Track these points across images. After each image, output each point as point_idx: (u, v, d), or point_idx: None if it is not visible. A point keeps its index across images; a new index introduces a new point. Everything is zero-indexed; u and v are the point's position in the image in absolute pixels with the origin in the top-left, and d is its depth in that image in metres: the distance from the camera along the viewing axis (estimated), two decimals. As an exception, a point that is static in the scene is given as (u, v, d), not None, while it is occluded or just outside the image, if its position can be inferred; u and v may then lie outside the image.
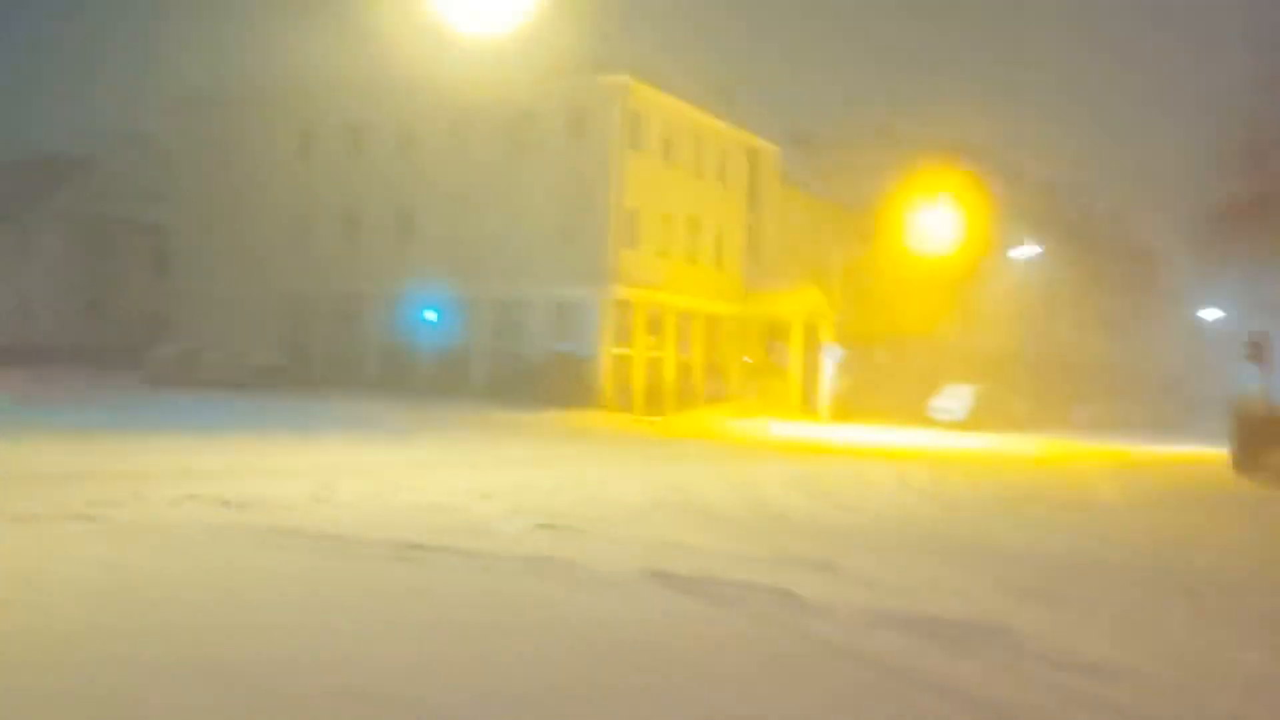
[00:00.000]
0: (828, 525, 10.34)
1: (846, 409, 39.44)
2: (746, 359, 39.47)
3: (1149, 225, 67.66)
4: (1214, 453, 26.52)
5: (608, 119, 32.38)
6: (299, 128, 37.69)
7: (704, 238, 36.93)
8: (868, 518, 11.10)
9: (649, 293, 33.62)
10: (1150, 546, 10.49)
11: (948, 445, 29.62)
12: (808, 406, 38.83)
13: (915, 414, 43.05)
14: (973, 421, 41.93)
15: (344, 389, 33.67)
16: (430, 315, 30.54)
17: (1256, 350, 21.02)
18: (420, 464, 15.07)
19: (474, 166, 34.21)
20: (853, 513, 11.45)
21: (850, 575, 7.55)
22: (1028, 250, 51.24)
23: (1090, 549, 9.89)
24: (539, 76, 33.01)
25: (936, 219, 38.01)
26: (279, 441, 17.45)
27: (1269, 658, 6.08)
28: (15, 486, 10.11)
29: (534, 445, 20.37)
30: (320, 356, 36.13)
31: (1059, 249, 53.58)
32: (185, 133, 39.70)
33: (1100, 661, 5.62)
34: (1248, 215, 28.71)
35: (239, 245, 37.44)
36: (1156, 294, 70.14)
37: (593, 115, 32.69)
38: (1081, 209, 61.29)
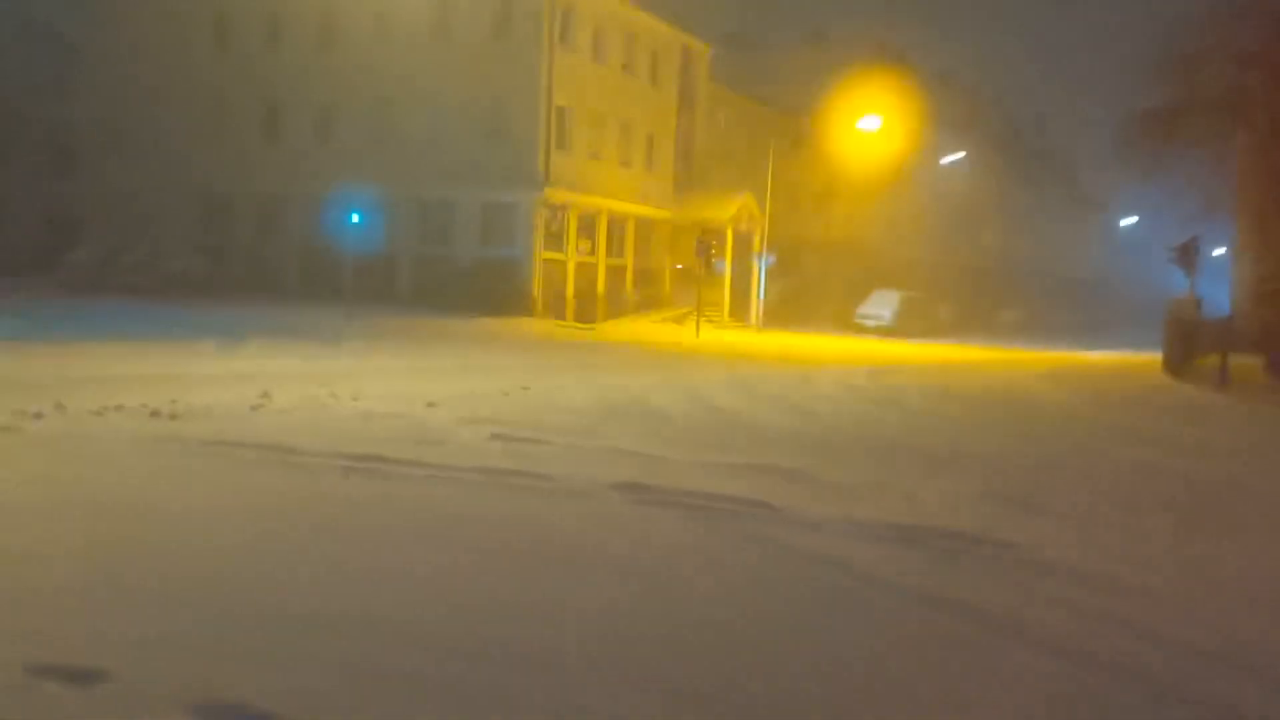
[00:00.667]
0: (786, 432, 10.16)
1: (776, 316, 39.53)
2: (678, 266, 39.13)
3: (1071, 131, 68.43)
4: (1143, 357, 27.16)
5: (536, 13, 31.16)
6: (214, 19, 35.65)
7: (635, 140, 36.14)
8: (823, 424, 10.95)
9: (581, 196, 32.90)
10: (1101, 444, 10.51)
11: (881, 351, 29.86)
12: (738, 313, 38.77)
13: (843, 320, 43.37)
14: (900, 327, 42.39)
15: (265, 294, 32.58)
16: (354, 218, 29.44)
17: (1185, 255, 21.25)
18: (356, 371, 14.54)
19: (396, 62, 32.74)
20: (808, 418, 11.29)
21: (823, 484, 7.36)
22: (954, 156, 51.39)
23: (1056, 454, 9.86)
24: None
25: (866, 123, 37.69)
26: (204, 349, 16.72)
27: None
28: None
29: (470, 352, 19.92)
30: (240, 260, 34.80)
31: (983, 154, 53.87)
32: (91, 20, 37.29)
33: (1093, 571, 5.51)
34: (1173, 123, 28.87)
35: (151, 142, 35.61)
36: (1077, 199, 71.31)
37: (520, 9, 31.43)
38: (1005, 114, 61.57)
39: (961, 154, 51.30)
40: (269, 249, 34.89)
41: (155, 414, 8.84)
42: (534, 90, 31.29)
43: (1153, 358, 22.07)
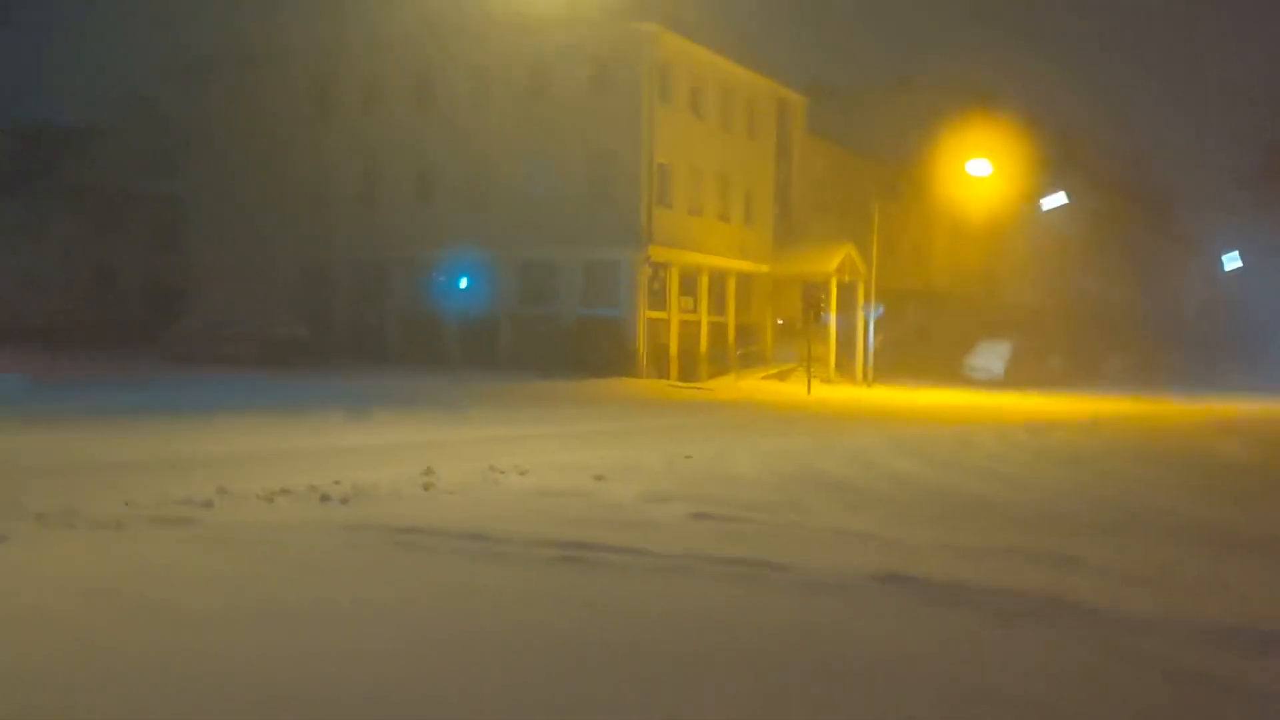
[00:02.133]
0: (1000, 503, 9.12)
1: (881, 369, 38.26)
2: (779, 321, 38.22)
3: (1168, 170, 66.44)
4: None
5: (636, 70, 30.83)
6: (312, 88, 36.09)
7: (734, 194, 35.51)
8: (1030, 493, 9.88)
9: (683, 253, 32.27)
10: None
11: (1011, 406, 28.50)
12: (843, 368, 37.59)
13: (951, 372, 41.91)
14: (1009, 378, 40.83)
15: (368, 361, 32.49)
16: (462, 282, 29.17)
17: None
18: (498, 440, 13.83)
19: (495, 122, 32.67)
20: (1009, 485, 10.24)
21: (1103, 571, 6.33)
22: (1055, 199, 49.90)
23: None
24: (561, 24, 31.52)
25: (975, 167, 36.56)
26: (333, 420, 16.20)
27: None
28: (79, 480, 8.87)
29: (596, 416, 19.15)
30: (342, 328, 34.79)
31: (1083, 197, 52.23)
32: (194, 98, 38.06)
33: None
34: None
35: (254, 214, 35.92)
36: (1176, 239, 68.95)
37: (619, 66, 31.13)
38: (1104, 154, 59.80)
39: (1061, 196, 49.78)
40: (370, 315, 34.84)
41: (325, 498, 8.14)
42: (635, 147, 30.85)
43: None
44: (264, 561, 6.02)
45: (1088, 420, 21.58)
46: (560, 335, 31.56)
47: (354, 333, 34.70)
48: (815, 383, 32.20)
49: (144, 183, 37.76)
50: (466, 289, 30.78)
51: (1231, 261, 72.81)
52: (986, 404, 29.02)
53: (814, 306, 31.63)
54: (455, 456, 11.31)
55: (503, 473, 9.82)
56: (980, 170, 34.67)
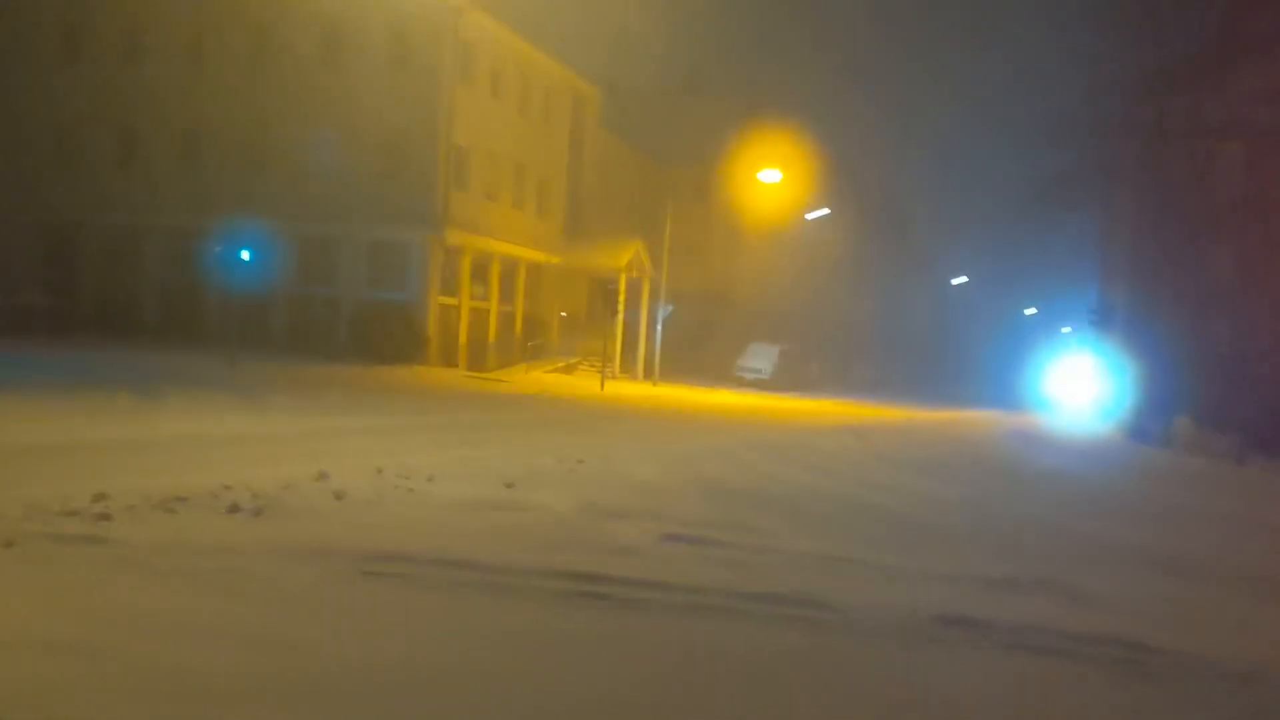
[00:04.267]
0: (924, 520, 9.06)
1: (661, 367, 38.59)
2: (562, 314, 37.77)
3: (912, 192, 71.11)
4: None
5: (438, 45, 29.37)
6: (56, 30, 32.05)
7: (528, 182, 34.69)
8: (944, 507, 9.91)
9: (477, 238, 31.11)
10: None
11: (801, 408, 29.39)
12: (624, 364, 37.61)
13: (722, 372, 42.95)
14: (776, 381, 42.32)
15: (118, 335, 29.10)
16: (244, 254, 26.63)
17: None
18: (331, 434, 12.58)
19: (278, 86, 30.24)
20: (909, 499, 10.24)
21: (1110, 603, 6.25)
22: (818, 212, 52.16)
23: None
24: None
25: (745, 177, 37.65)
26: (130, 405, 14.15)
27: None
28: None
29: (411, 408, 17.97)
30: (88, 297, 31.18)
31: (844, 213, 54.99)
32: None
33: None
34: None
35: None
36: (913, 258, 74.03)
37: (420, 40, 29.55)
38: (864, 175, 63.24)
39: (824, 210, 52.11)
40: (122, 285, 31.43)
41: (234, 508, 6.88)
42: (432, 126, 29.42)
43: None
44: (242, 602, 4.88)
45: (890, 426, 22.47)
46: (343, 318, 29.64)
47: (102, 303, 31.15)
48: (600, 378, 31.98)
49: None
50: (238, 261, 28.23)
51: (957, 280, 79.06)
52: (774, 406, 29.81)
53: (611, 301, 31.36)
54: (317, 454, 10.07)
55: (406, 478, 8.76)
56: (770, 178, 35.55)
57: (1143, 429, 28.18)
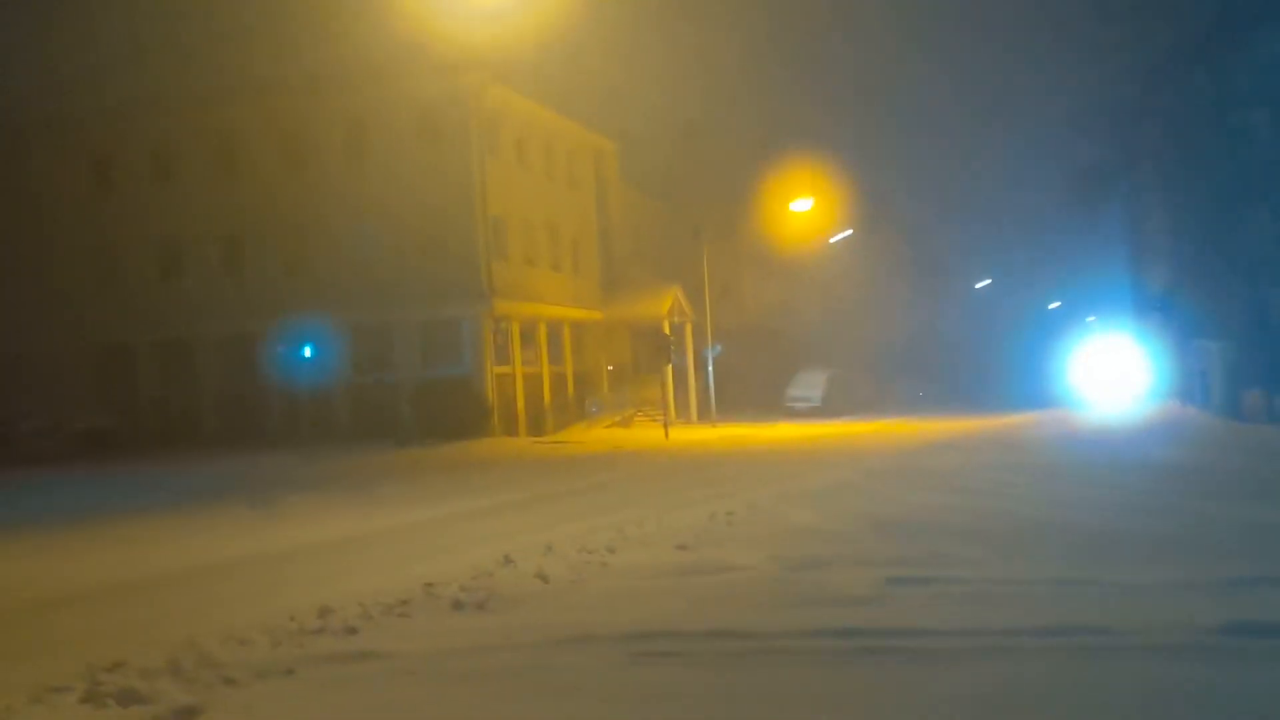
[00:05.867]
0: (1108, 529, 8.99)
1: (707, 407, 38.52)
2: (610, 367, 37.87)
3: (932, 202, 71.27)
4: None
5: (465, 122, 29.79)
6: (90, 157, 32.60)
7: (562, 243, 34.98)
8: (1106, 511, 9.85)
9: (522, 305, 31.34)
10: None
11: (871, 431, 29.30)
12: (679, 409, 37.58)
13: (770, 405, 42.84)
14: (827, 407, 42.18)
15: (184, 448, 29.23)
16: (305, 352, 26.89)
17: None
18: (469, 517, 12.65)
19: (313, 183, 30.68)
20: (1060, 508, 10.20)
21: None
22: (842, 234, 52.33)
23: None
24: (379, 79, 30.08)
25: (767, 209, 37.98)
26: (238, 514, 14.22)
27: None
28: (127, 603, 7.14)
29: (513, 482, 17.96)
30: (147, 413, 31.44)
31: (866, 232, 55.14)
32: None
33: None
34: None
35: (31, 298, 31.90)
36: (938, 267, 73.94)
37: (446, 119, 30.00)
38: (878, 192, 63.31)
39: (848, 232, 52.28)
40: (179, 397, 31.73)
41: (458, 605, 6.90)
42: (468, 201, 29.74)
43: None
44: (548, 698, 4.87)
45: (987, 439, 22.39)
46: (403, 400, 29.77)
47: (162, 417, 31.44)
48: (655, 426, 32.01)
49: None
50: (301, 359, 28.51)
51: (981, 283, 78.83)
52: (842, 432, 29.70)
53: (664, 349, 31.44)
54: (470, 540, 10.12)
55: (586, 552, 8.77)
56: (801, 207, 35.74)
57: (1218, 403, 27.93)
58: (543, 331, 32.97)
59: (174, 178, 31.90)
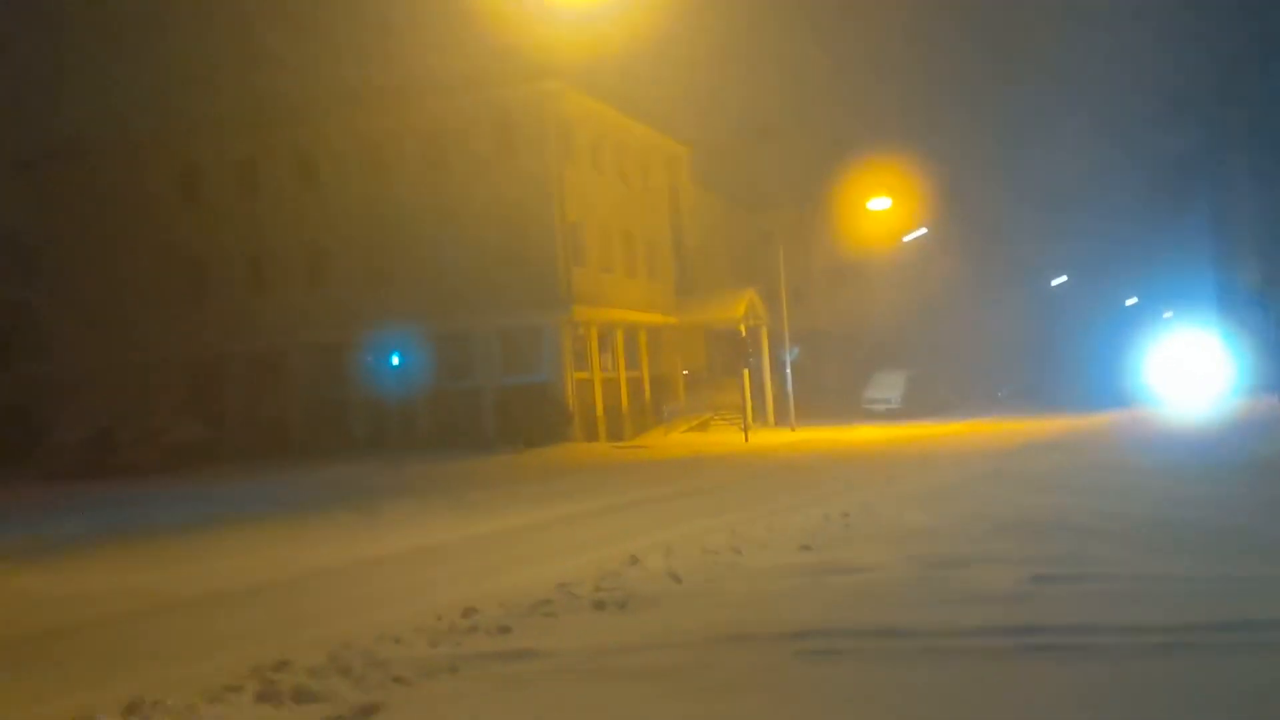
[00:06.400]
0: (1233, 525, 8.79)
1: (784, 410, 38.31)
2: (685, 371, 37.86)
3: (1011, 197, 70.06)
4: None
5: (543, 130, 30.00)
6: (176, 172, 33.47)
7: (637, 247, 35.02)
8: (1227, 508, 9.61)
9: (600, 310, 31.44)
10: None
11: (956, 431, 28.95)
12: (756, 413, 37.41)
13: (848, 408, 42.42)
14: (907, 409, 41.62)
15: (275, 456, 29.83)
16: (394, 360, 27.32)
17: None
18: (573, 520, 12.75)
19: (394, 192, 31.15)
20: (1190, 506, 9.98)
21: None
22: (915, 233, 51.74)
23: None
24: (456, 89, 30.46)
25: (876, 204, 37.58)
26: (344, 521, 14.48)
27: None
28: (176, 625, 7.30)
29: (605, 486, 18.02)
30: (238, 423, 32.11)
31: (942, 230, 54.46)
32: (44, 191, 34.84)
33: None
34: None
35: (124, 312, 32.83)
36: (1016, 264, 72.71)
37: (524, 127, 30.24)
38: (955, 188, 62.47)
39: (921, 231, 51.66)
40: (268, 407, 32.36)
41: (599, 605, 6.94)
42: (547, 208, 29.94)
43: None
44: (724, 698, 4.87)
45: (1051, 438, 21.98)
46: (486, 407, 30.08)
47: (252, 426, 32.07)
48: (732, 430, 31.88)
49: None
50: (386, 367, 28.97)
51: (1057, 280, 77.36)
52: (927, 434, 29.32)
53: (742, 352, 31.34)
54: (583, 544, 10.18)
55: (712, 553, 8.77)
56: (880, 206, 35.44)
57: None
58: (619, 337, 33.06)
59: (260, 191, 32.59)
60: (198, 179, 33.36)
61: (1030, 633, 5.57)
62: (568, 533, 11.62)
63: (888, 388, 42.44)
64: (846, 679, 5.06)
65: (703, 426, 35.19)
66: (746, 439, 29.96)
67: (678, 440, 31.16)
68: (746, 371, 35.92)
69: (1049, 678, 4.91)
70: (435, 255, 30.58)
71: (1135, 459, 16.43)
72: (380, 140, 31.39)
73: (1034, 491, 12.01)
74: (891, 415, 40.71)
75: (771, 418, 37.55)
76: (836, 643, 5.63)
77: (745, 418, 31.15)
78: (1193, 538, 8.37)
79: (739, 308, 36.57)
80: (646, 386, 34.71)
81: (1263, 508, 9.72)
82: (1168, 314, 71.79)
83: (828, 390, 44.47)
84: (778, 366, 37.93)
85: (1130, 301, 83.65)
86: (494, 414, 29.86)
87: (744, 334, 36.07)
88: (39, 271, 34.25)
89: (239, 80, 32.44)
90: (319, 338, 31.28)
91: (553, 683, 5.19)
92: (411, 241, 30.93)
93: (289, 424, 32.03)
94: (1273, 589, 6.29)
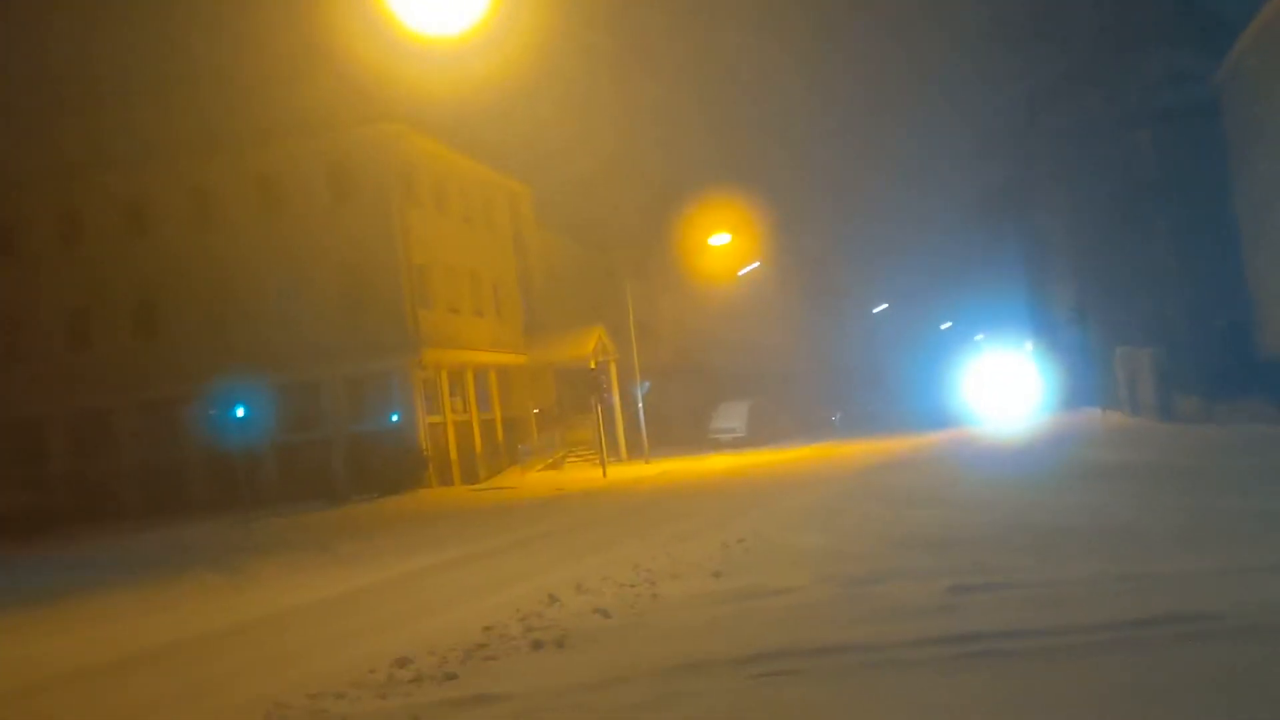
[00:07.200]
0: (1120, 526, 9.39)
1: (633, 443, 38.66)
2: (536, 410, 37.72)
3: (834, 230, 72.83)
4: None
5: (384, 172, 29.54)
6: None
7: (484, 288, 34.79)
8: (1102, 514, 10.26)
9: (449, 352, 31.06)
10: None
11: (806, 455, 29.76)
12: (609, 447, 37.55)
13: (694, 438, 43.14)
14: (752, 437, 42.65)
15: (110, 521, 27.91)
16: (238, 412, 26.08)
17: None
18: (449, 566, 12.49)
19: (228, 242, 30.01)
20: (1063, 513, 10.59)
21: None
22: (749, 267, 53.29)
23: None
24: (291, 134, 29.67)
25: (717, 239, 38.56)
26: (209, 582, 13.70)
27: None
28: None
29: (477, 532, 17.71)
30: (61, 487, 30.05)
31: (773, 264, 56.25)
32: None
33: None
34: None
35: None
36: (840, 294, 75.70)
37: (364, 170, 29.71)
38: (782, 223, 64.58)
39: (755, 264, 53.24)
40: (96, 469, 30.46)
41: (537, 645, 6.85)
42: (391, 251, 29.45)
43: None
44: None
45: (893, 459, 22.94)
46: (336, 456, 29.16)
47: (78, 490, 30.08)
48: (585, 466, 31.95)
49: None
50: (226, 422, 27.67)
51: (879, 308, 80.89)
52: (780, 459, 30.08)
53: (596, 388, 31.45)
54: (477, 589, 9.99)
55: (628, 586, 8.78)
56: (719, 241, 36.36)
57: (1151, 407, 28.78)
58: (470, 378, 32.68)
59: (84, 242, 30.86)
60: (12, 232, 31.31)
61: (965, 641, 5.83)
62: (463, 577, 11.40)
63: (733, 417, 43.38)
64: (815, 698, 5.17)
65: (558, 464, 35.09)
66: (605, 474, 30.02)
67: (536, 479, 30.96)
68: (600, 407, 36.09)
69: (996, 681, 5.15)
70: (278, 304, 29.58)
71: (980, 473, 17.34)
72: (214, 188, 30.25)
73: (910, 508, 12.51)
74: (737, 444, 41.63)
75: (624, 452, 37.77)
76: (791, 664, 5.74)
77: (602, 453, 31.22)
78: (1082, 541, 8.89)
79: (588, 345, 36.74)
80: (499, 427, 34.39)
81: (1126, 508, 10.42)
82: (979, 336, 76.06)
83: (676, 422, 45.08)
84: (629, 401, 38.25)
85: (945, 326, 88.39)
86: (345, 463, 28.97)
87: (595, 370, 36.25)
88: None
89: (61, 128, 30.66)
90: (150, 394, 29.75)
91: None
92: (251, 291, 29.83)
93: (120, 486, 30.23)
94: (1183, 584, 6.76)
